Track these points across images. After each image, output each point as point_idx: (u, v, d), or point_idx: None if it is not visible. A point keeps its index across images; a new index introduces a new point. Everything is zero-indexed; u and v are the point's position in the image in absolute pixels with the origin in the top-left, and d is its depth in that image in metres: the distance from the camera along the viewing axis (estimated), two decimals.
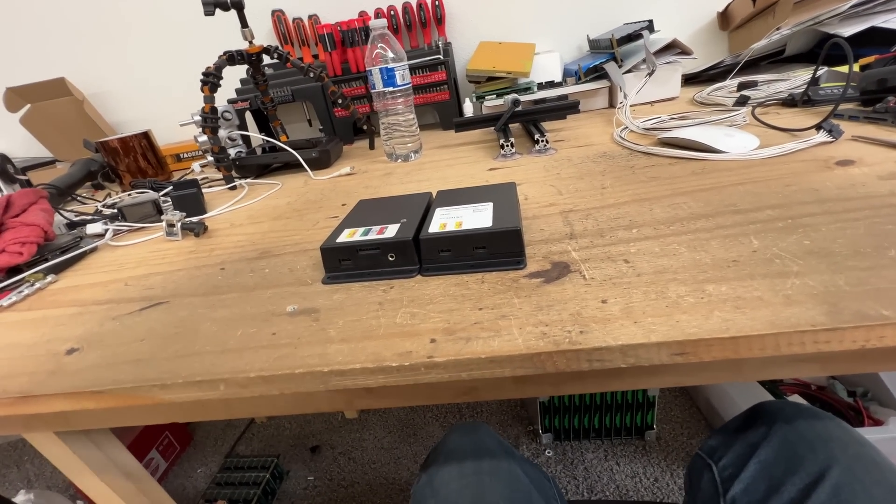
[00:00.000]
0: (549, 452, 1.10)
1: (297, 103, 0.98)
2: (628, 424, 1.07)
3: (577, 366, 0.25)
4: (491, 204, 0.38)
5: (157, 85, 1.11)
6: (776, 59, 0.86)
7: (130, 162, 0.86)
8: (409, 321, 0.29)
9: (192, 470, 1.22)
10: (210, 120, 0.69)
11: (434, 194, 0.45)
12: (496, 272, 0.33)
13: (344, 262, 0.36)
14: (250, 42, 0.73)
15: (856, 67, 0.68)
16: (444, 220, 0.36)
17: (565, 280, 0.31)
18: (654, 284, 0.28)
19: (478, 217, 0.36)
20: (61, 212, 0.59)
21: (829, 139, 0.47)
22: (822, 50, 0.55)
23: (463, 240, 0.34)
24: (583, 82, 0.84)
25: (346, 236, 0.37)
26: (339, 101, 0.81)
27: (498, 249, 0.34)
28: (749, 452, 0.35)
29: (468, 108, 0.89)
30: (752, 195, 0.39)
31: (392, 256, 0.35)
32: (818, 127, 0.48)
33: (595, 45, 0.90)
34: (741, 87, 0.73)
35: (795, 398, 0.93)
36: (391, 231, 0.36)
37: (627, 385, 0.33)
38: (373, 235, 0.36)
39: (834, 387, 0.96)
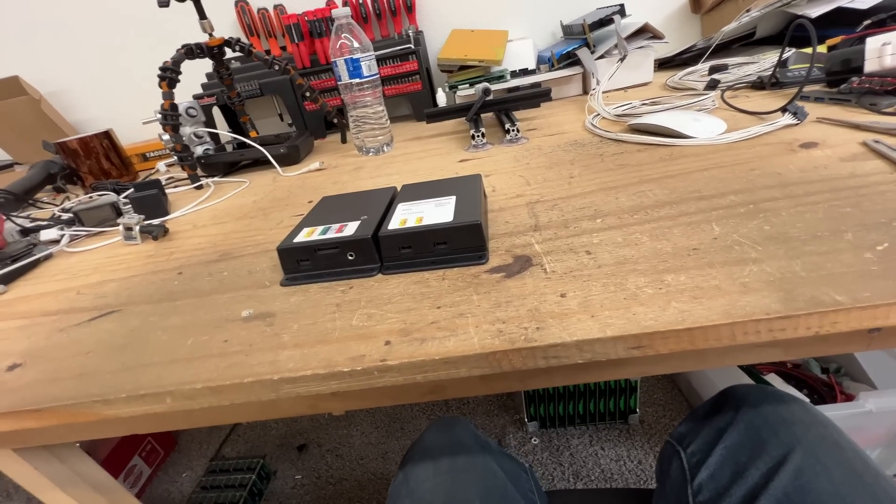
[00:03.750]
0: (535, 440, 1.11)
1: (268, 97, 0.95)
2: (612, 409, 1.09)
3: (533, 363, 0.24)
4: (454, 197, 0.37)
5: (120, 81, 1.06)
6: (748, 42, 0.86)
7: (92, 163, 0.83)
8: (365, 323, 0.28)
9: (177, 475, 1.20)
10: (170, 117, 0.67)
11: (399, 188, 0.44)
12: (458, 268, 0.33)
13: (302, 263, 0.35)
14: (210, 34, 0.70)
15: (823, 48, 0.68)
16: (405, 216, 0.35)
17: (526, 274, 0.30)
18: (614, 276, 0.28)
19: (439, 211, 0.35)
20: (13, 218, 0.56)
21: (795, 121, 0.47)
22: (809, 25, 0.54)
23: (423, 236, 0.33)
24: (556, 69, 0.83)
25: (305, 235, 0.35)
26: (308, 94, 0.79)
27: (459, 244, 0.33)
28: (716, 438, 0.35)
29: (441, 98, 0.88)
30: (716, 181, 0.38)
31: (351, 255, 0.34)
32: (783, 109, 0.48)
33: (568, 31, 0.89)
34: (712, 70, 0.73)
35: (772, 377, 0.95)
36: (350, 229, 0.35)
37: (593, 378, 0.33)
38: (331, 234, 0.35)
39: (808, 364, 0.98)
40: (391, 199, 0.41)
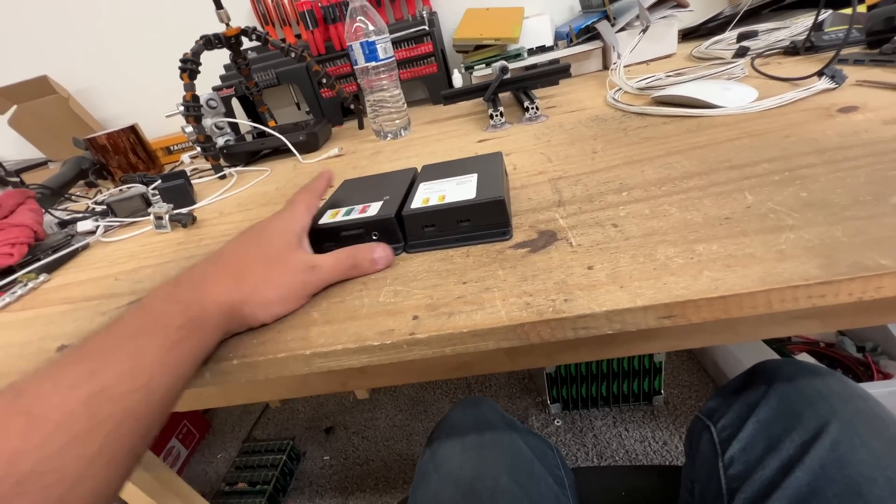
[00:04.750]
0: (558, 422, 1.11)
1: (284, 86, 0.95)
2: (636, 391, 1.08)
3: (562, 335, 0.24)
4: (475, 175, 0.37)
5: (143, 77, 1.09)
6: (779, 6, 0.82)
7: (121, 158, 0.86)
8: (392, 299, 0.29)
9: (212, 456, 1.26)
10: (192, 108, 0.68)
11: (419, 169, 0.43)
12: (482, 244, 0.33)
13: (326, 245, 0.35)
14: (227, 24, 0.70)
15: (863, 8, 0.64)
16: (427, 195, 0.35)
17: (551, 249, 0.30)
18: (642, 248, 0.27)
19: (461, 189, 0.35)
20: (51, 211, 0.59)
21: (832, 86, 0.45)
22: None
23: (446, 213, 0.33)
24: (575, 45, 0.81)
25: (329, 217, 0.36)
26: (324, 80, 0.79)
27: (482, 221, 0.33)
28: (747, 412, 0.35)
29: (457, 80, 0.87)
30: (748, 150, 0.37)
31: (375, 235, 0.34)
32: (820, 74, 0.45)
33: (586, 5, 0.86)
34: (741, 38, 0.70)
35: (804, 356, 0.92)
36: (374, 209, 0.35)
37: (623, 352, 0.33)
38: (355, 215, 0.35)
39: (843, 343, 0.95)
40: (412, 179, 0.41)
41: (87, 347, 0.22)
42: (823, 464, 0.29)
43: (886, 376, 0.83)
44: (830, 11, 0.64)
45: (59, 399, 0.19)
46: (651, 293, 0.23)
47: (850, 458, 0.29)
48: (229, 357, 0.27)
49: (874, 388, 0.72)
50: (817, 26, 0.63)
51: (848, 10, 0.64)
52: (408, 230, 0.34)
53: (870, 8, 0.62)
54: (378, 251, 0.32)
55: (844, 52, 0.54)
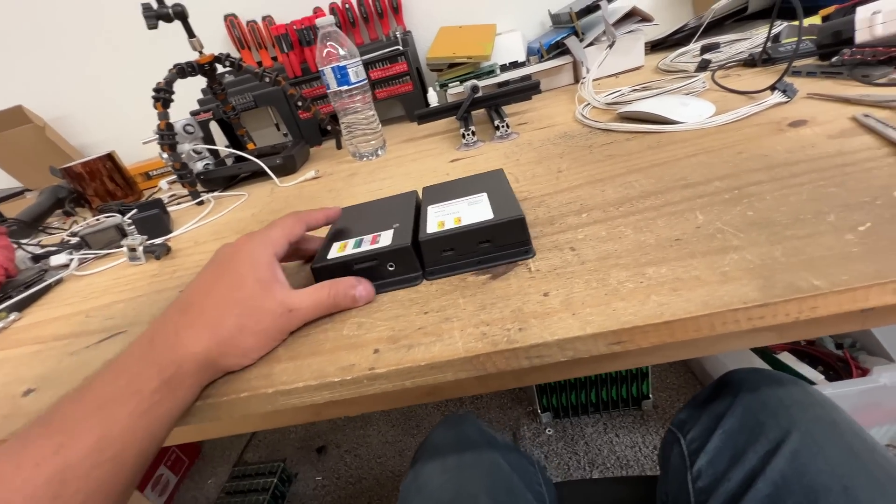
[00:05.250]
0: (549, 431, 1.12)
1: (263, 108, 0.96)
2: (625, 396, 1.09)
3: (516, 364, 0.25)
4: (485, 194, 0.36)
5: (120, 102, 1.09)
6: (741, 17, 0.84)
7: (97, 185, 0.85)
8: (355, 332, 0.29)
9: (202, 482, 1.24)
10: (167, 137, 0.68)
11: (420, 192, 0.42)
12: (503, 265, 0.32)
13: None
14: (200, 52, 0.71)
15: (818, 19, 0.67)
16: (441, 218, 0.33)
17: (511, 275, 0.30)
18: (596, 272, 0.28)
19: (476, 210, 0.33)
20: (24, 246, 0.58)
21: (785, 99, 0.46)
22: (783, 4, 0.53)
23: (466, 236, 0.31)
24: (546, 60, 0.83)
25: (338, 251, 0.33)
26: (300, 103, 0.80)
27: (504, 241, 0.32)
28: (714, 423, 0.36)
29: (433, 97, 0.88)
30: (703, 166, 0.38)
31: (392, 266, 0.32)
32: (772, 88, 0.47)
33: (556, 20, 0.88)
34: (704, 50, 0.72)
35: (785, 355, 0.94)
36: (386, 238, 0.33)
37: (588, 371, 0.33)
38: (367, 246, 0.33)
39: (823, 340, 0.97)
40: (417, 203, 0.39)
41: (55, 417, 0.21)
42: (784, 474, 0.30)
43: (864, 372, 0.85)
44: (786, 23, 0.67)
45: (21, 481, 0.18)
46: (600, 320, 0.24)
47: (809, 468, 0.29)
48: None
49: (851, 387, 0.73)
50: (775, 38, 0.65)
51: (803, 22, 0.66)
52: (426, 257, 0.32)
53: (824, 19, 0.65)
54: (360, 288, 0.31)
55: (799, 62, 0.56)
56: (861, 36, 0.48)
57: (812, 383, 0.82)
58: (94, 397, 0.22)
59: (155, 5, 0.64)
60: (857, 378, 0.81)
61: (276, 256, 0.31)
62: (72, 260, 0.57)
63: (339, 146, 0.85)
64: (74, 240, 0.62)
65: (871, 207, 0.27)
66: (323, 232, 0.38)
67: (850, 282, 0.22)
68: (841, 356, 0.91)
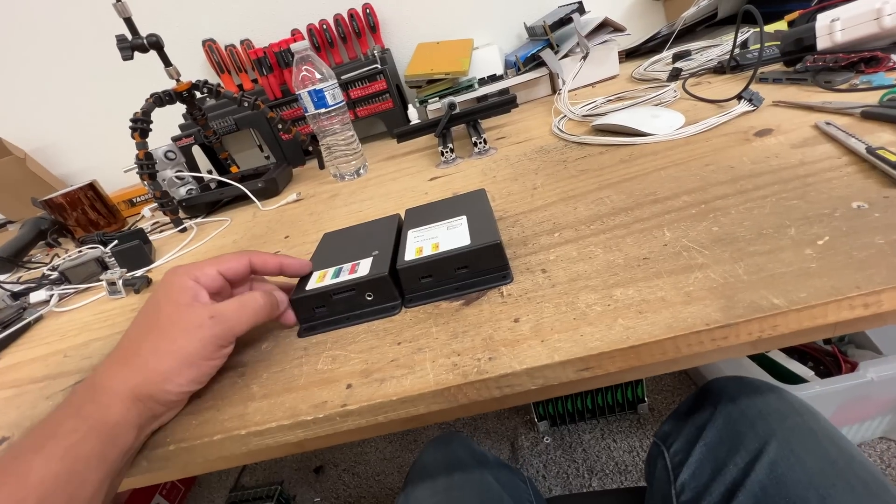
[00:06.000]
0: (547, 439, 1.11)
1: (245, 130, 0.96)
2: (620, 400, 1.09)
3: (487, 394, 0.25)
4: (465, 217, 0.36)
5: (101, 130, 1.09)
6: (711, 24, 0.86)
7: (79, 215, 0.85)
8: (329, 366, 0.29)
9: None
10: (146, 166, 0.68)
11: (403, 214, 0.42)
12: (480, 291, 0.32)
13: (319, 311, 0.33)
14: (177, 80, 0.71)
15: (783, 25, 0.68)
16: (419, 244, 0.33)
17: (483, 300, 0.31)
18: (566, 294, 0.28)
19: (454, 235, 0.33)
20: (2, 284, 0.58)
21: (751, 108, 0.47)
22: (754, 9, 0.54)
23: (442, 263, 0.31)
24: (523, 73, 0.84)
25: (316, 281, 0.33)
26: (281, 125, 0.80)
27: (481, 266, 0.31)
28: (696, 435, 0.36)
29: (413, 114, 0.89)
30: (672, 180, 0.39)
31: (370, 295, 0.32)
32: (739, 97, 0.48)
33: (532, 33, 0.90)
34: (675, 58, 0.73)
35: (775, 352, 0.94)
36: (364, 267, 0.33)
37: (562, 392, 0.33)
38: (345, 276, 0.32)
39: None
40: (398, 227, 0.39)
41: None
42: (763, 486, 0.30)
43: (853, 366, 0.86)
44: (752, 30, 0.68)
45: None
46: (568, 346, 0.24)
47: (787, 478, 0.29)
48: (166, 442, 0.27)
49: (839, 383, 0.74)
50: (743, 44, 0.67)
51: (769, 28, 0.68)
52: (404, 284, 0.32)
53: (790, 24, 0.66)
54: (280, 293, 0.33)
55: (766, 69, 0.58)
56: (822, 43, 0.49)
57: (803, 381, 0.82)
58: (11, 452, 0.22)
59: (130, 37, 0.65)
60: (845, 374, 0.81)
61: (198, 282, 0.29)
62: (52, 296, 0.57)
63: (321, 166, 0.85)
64: (54, 274, 0.61)
65: (830, 220, 0.28)
66: (275, 253, 0.38)
67: (808, 299, 0.22)
68: (829, 351, 0.91)
